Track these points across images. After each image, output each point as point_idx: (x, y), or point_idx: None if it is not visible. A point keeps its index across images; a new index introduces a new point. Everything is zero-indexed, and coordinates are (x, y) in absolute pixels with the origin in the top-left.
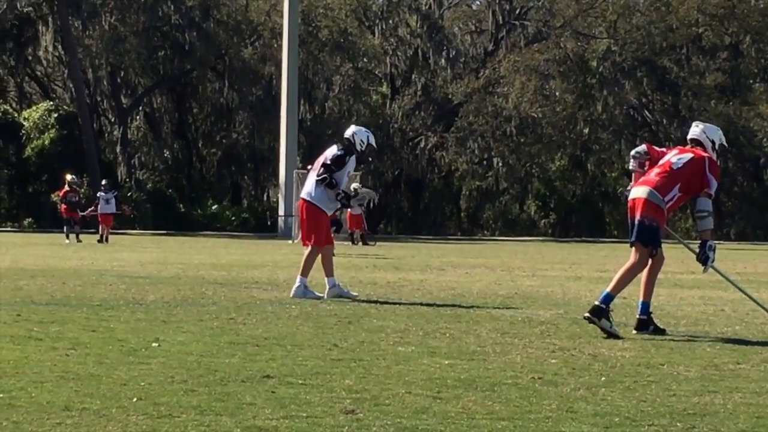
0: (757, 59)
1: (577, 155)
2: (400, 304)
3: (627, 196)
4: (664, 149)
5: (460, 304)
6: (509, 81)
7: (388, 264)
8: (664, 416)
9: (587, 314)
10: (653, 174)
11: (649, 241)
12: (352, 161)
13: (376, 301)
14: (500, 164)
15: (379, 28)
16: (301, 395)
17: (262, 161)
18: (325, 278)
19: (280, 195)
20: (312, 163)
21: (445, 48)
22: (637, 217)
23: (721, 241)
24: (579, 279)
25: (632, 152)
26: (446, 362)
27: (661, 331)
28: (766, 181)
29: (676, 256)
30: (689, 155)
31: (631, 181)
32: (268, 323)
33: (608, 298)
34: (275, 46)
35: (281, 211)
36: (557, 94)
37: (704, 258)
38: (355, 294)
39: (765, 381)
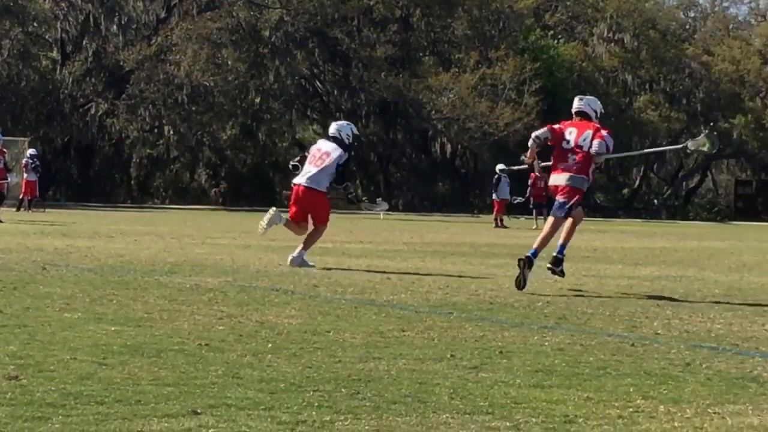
0: (426, 32)
1: (249, 124)
2: (67, 270)
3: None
4: (561, 126)
5: (128, 271)
6: (181, 49)
7: (56, 230)
8: (329, 382)
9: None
10: (570, 161)
11: (576, 209)
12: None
13: (43, 268)
14: (171, 132)
15: None
16: None
17: None
18: (301, 247)
19: None
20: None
21: (117, 14)
22: (561, 198)
23: (391, 212)
24: (248, 247)
25: (535, 134)
26: (113, 329)
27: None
28: (434, 153)
29: (343, 225)
30: (589, 132)
31: (524, 155)
32: None
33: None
34: None
35: None
36: (229, 63)
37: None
38: (312, 264)
39: (428, 348)
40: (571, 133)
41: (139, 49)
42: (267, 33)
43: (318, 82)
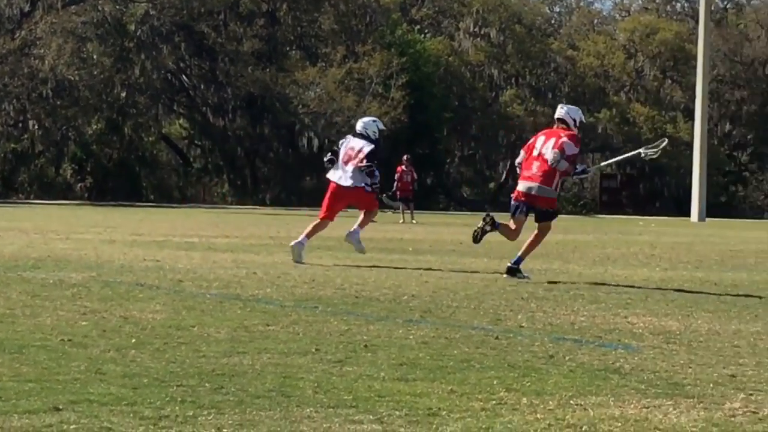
0: (293, 27)
1: (114, 119)
2: None
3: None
4: (534, 138)
5: None
6: (46, 43)
7: None
8: (193, 377)
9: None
10: (534, 168)
11: (547, 219)
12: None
13: None
14: (36, 127)
15: None
16: None
17: None
18: (305, 236)
19: None
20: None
21: None
22: (536, 205)
23: (257, 207)
24: (113, 242)
25: (517, 162)
26: None
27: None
28: (301, 147)
29: (210, 220)
30: (552, 140)
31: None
32: None
33: (519, 261)
34: None
35: None
36: (95, 57)
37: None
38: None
39: (293, 342)
40: (539, 141)
41: (2, 43)
42: (133, 27)
43: (184, 77)
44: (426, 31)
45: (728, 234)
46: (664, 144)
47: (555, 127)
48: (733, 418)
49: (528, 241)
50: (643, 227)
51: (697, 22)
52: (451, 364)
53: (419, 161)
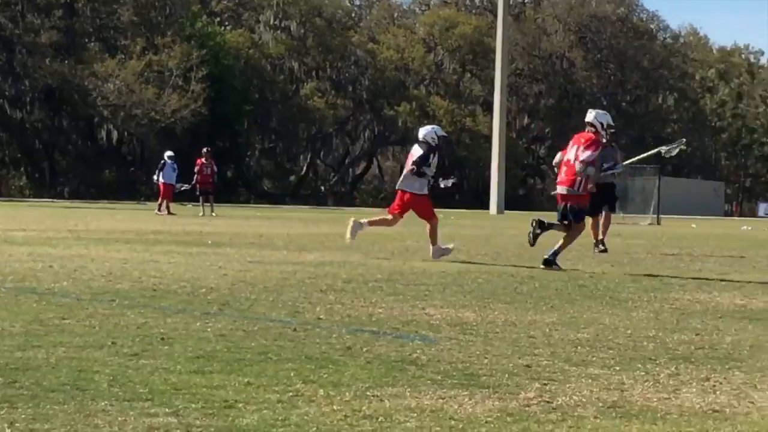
0: (92, 18)
1: None
2: None
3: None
4: (568, 147)
5: None
6: None
7: None
8: None
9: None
10: (563, 174)
11: (575, 217)
12: (435, 157)
13: None
14: None
15: None
16: None
17: None
18: (431, 245)
19: None
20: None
21: None
22: (567, 204)
23: (55, 200)
24: None
25: (554, 162)
26: None
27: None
28: (100, 140)
29: (7, 213)
30: (575, 147)
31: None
32: None
33: (555, 254)
34: None
35: None
36: None
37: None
38: (451, 246)
39: (89, 335)
40: (570, 148)
41: None
42: None
43: None
44: (226, 23)
45: (526, 226)
46: (682, 143)
47: (586, 130)
48: (527, 408)
49: (563, 237)
50: (443, 220)
51: (495, 16)
52: (248, 356)
53: (219, 154)
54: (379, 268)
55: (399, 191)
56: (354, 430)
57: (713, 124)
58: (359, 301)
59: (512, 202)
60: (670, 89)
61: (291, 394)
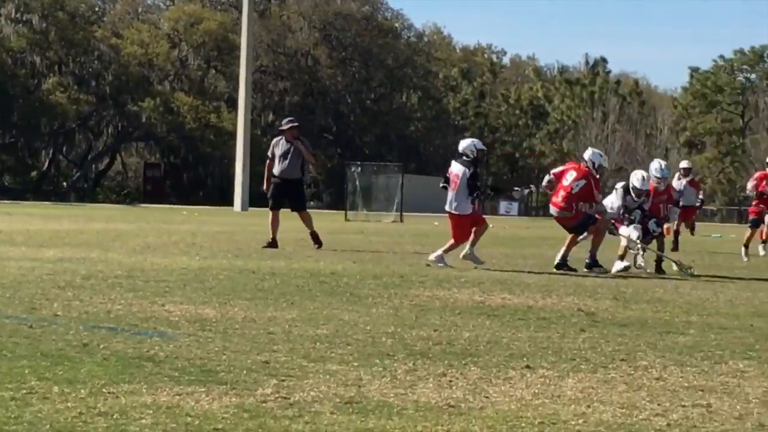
0: None
1: None
2: None
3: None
4: (563, 169)
5: None
6: None
7: None
8: None
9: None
10: (559, 197)
11: (579, 229)
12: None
13: None
14: None
15: None
16: None
17: None
18: (469, 245)
19: None
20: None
21: None
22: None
23: None
24: None
25: (544, 183)
26: None
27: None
28: None
29: None
30: (583, 182)
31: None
32: None
33: (593, 256)
34: None
35: None
36: None
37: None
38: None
39: None
40: (569, 174)
41: None
42: None
43: None
44: None
45: (269, 223)
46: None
47: (581, 164)
48: (264, 404)
49: (592, 241)
50: (187, 216)
51: (241, 12)
52: None
53: None
54: (119, 265)
55: (451, 216)
56: (88, 427)
57: (456, 122)
58: (98, 298)
59: (257, 198)
60: (414, 88)
61: (25, 391)
